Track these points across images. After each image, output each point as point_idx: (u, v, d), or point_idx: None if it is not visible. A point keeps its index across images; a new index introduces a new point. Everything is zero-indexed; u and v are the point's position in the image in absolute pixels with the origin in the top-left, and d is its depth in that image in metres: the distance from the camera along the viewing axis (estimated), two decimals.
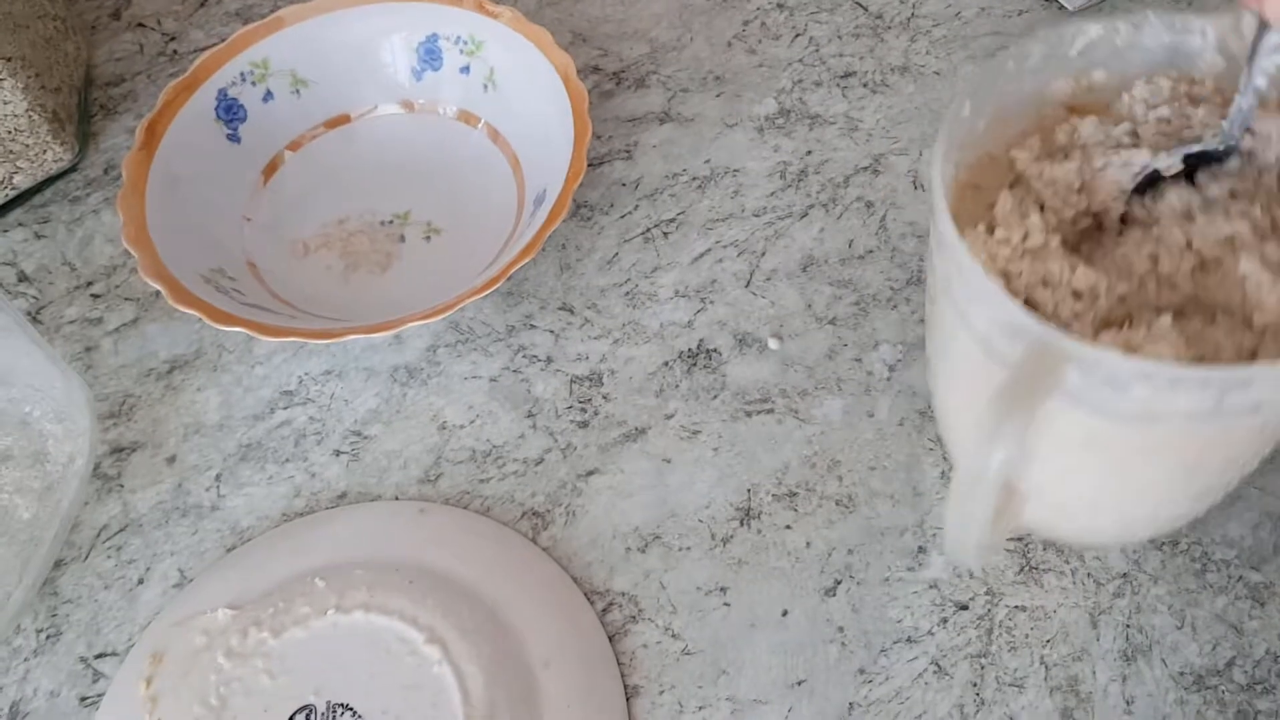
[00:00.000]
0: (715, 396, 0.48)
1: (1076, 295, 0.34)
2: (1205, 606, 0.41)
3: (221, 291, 0.46)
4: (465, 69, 0.54)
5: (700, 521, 0.44)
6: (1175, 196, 0.36)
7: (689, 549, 0.44)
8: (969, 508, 0.32)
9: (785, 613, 0.42)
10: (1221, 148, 0.35)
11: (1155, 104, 0.37)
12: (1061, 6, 0.59)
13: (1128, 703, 0.40)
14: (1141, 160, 0.36)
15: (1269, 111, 0.35)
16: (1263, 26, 0.33)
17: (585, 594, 0.42)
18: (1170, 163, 0.36)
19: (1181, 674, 0.40)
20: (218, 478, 0.46)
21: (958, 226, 0.33)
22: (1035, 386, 0.30)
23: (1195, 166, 0.36)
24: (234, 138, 0.52)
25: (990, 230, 0.36)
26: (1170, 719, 0.39)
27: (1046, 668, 0.41)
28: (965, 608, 0.42)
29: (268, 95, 0.53)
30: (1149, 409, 0.30)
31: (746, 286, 0.51)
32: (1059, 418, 0.31)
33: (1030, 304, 0.34)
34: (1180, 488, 0.35)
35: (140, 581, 0.44)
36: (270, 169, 0.53)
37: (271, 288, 0.49)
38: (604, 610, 0.42)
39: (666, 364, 0.49)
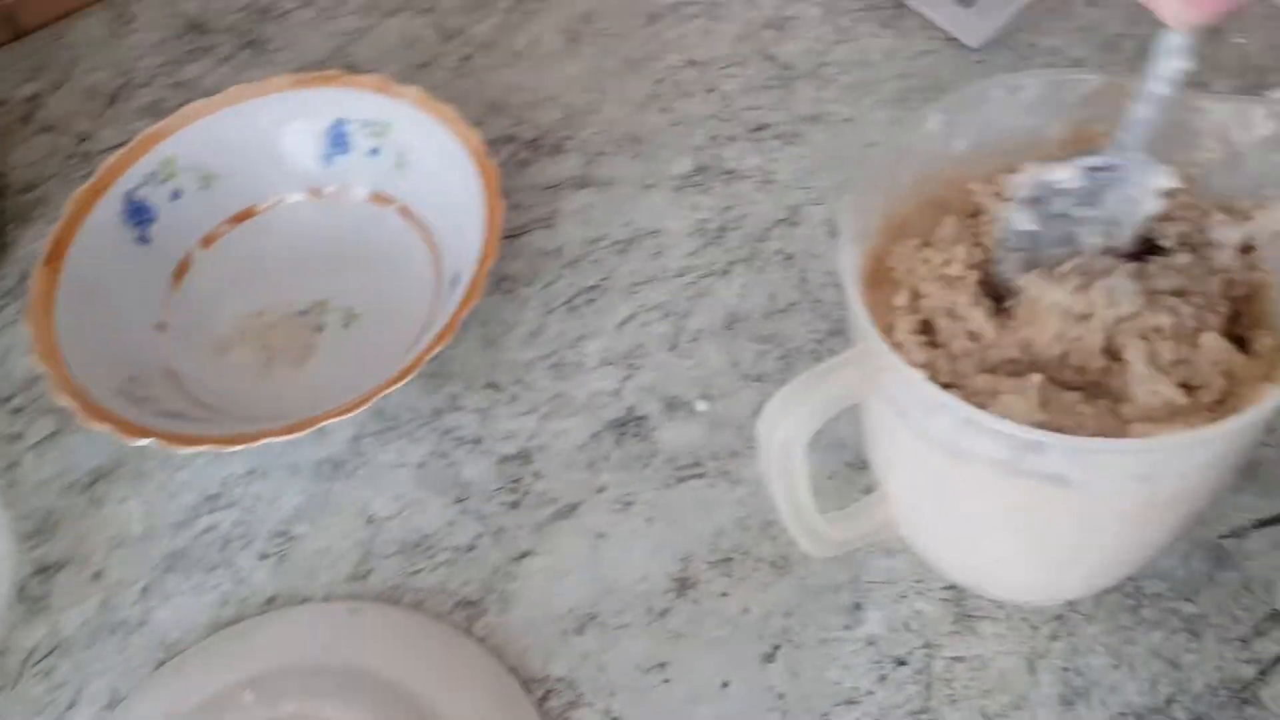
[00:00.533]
0: (646, 465, 0.48)
1: (971, 336, 0.35)
2: (1141, 643, 0.41)
3: (135, 402, 0.45)
4: (375, 151, 0.54)
5: (637, 596, 0.44)
6: (1113, 281, 0.35)
7: (626, 625, 0.43)
8: (770, 485, 0.35)
9: (725, 684, 0.42)
10: (1120, 160, 0.34)
11: None
12: (964, 46, 0.59)
13: None
14: (1032, 173, 0.35)
15: (1231, 217, 0.35)
16: (1160, 29, 0.32)
17: (522, 682, 0.42)
18: (1068, 175, 0.35)
19: (1123, 715, 0.40)
20: (144, 590, 0.46)
21: (908, 236, 0.35)
22: (839, 381, 0.32)
23: (1147, 253, 0.36)
24: (143, 239, 0.51)
25: (924, 246, 0.36)
26: None
27: (987, 719, 0.40)
28: (903, 663, 0.42)
29: (176, 193, 0.53)
30: (955, 443, 0.32)
31: (672, 349, 0.51)
32: (896, 432, 0.34)
33: (929, 327, 0.35)
34: (1024, 546, 0.36)
35: (71, 705, 0.43)
36: (181, 269, 0.52)
37: (190, 391, 0.48)
38: (542, 698, 0.42)
39: (596, 435, 0.49)
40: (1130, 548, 0.35)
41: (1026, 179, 0.35)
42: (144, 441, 0.43)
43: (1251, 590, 0.42)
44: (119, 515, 0.48)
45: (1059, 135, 0.38)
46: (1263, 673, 0.41)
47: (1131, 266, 0.34)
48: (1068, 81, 0.37)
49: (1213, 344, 0.33)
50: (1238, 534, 0.44)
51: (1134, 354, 0.32)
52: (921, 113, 0.36)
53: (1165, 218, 0.36)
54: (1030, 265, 0.35)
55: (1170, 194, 0.35)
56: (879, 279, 0.37)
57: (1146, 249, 0.36)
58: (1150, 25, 0.33)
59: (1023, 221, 0.35)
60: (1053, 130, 0.38)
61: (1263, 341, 0.34)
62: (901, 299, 0.36)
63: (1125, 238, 0.35)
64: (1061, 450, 0.30)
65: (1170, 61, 0.32)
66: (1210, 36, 0.57)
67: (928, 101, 0.37)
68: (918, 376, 0.31)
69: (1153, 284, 0.34)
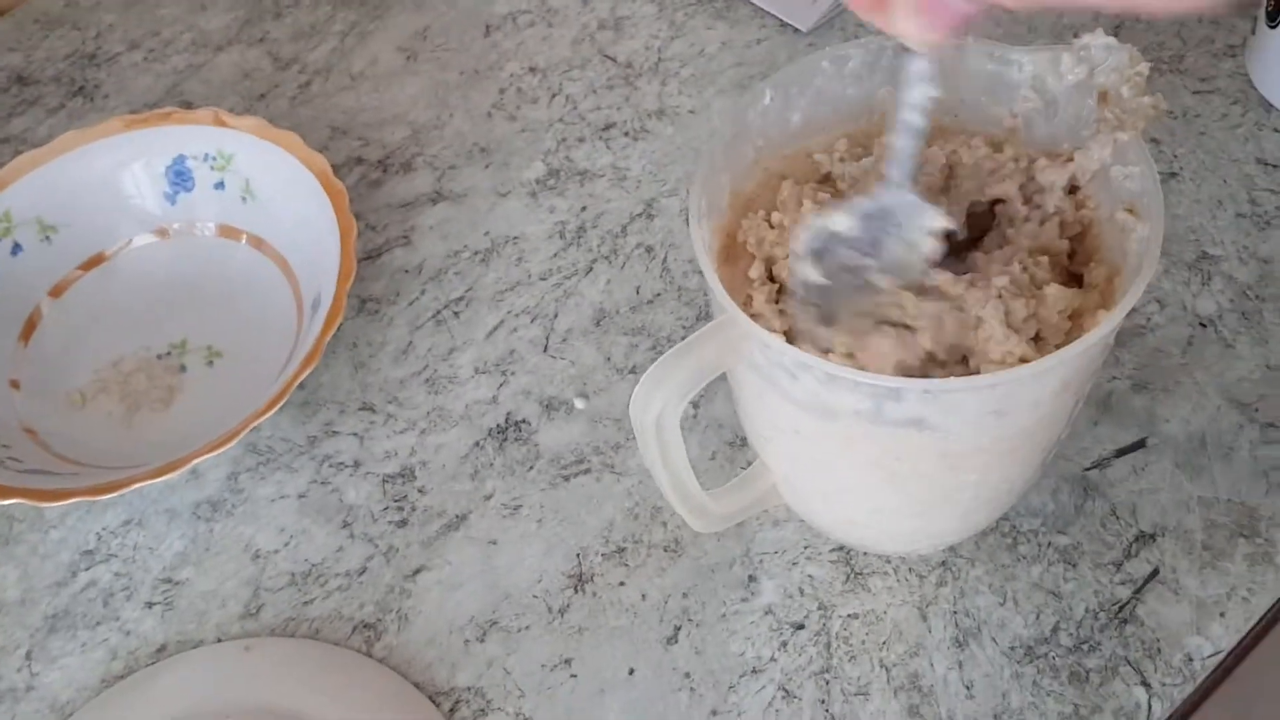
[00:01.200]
0: (531, 467, 0.48)
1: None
2: (1022, 579, 0.43)
3: None
4: (219, 184, 0.53)
5: (535, 597, 0.44)
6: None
7: (528, 628, 0.43)
8: (649, 463, 0.35)
9: (631, 671, 0.42)
10: (892, 202, 0.34)
11: None
12: (796, 30, 0.61)
13: (968, 688, 0.41)
14: (819, 225, 0.35)
15: (1053, 162, 0.37)
16: (904, 53, 0.32)
17: (430, 696, 0.42)
18: (847, 223, 0.34)
19: (1012, 649, 0.42)
20: (28, 656, 0.44)
21: (756, 210, 0.37)
22: (702, 354, 0.33)
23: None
24: None
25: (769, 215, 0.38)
26: (1009, 694, 0.41)
27: (887, 670, 0.42)
28: (801, 626, 0.43)
29: (15, 248, 0.51)
30: (820, 401, 0.33)
31: (545, 351, 0.51)
32: (765, 399, 0.35)
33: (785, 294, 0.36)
34: (897, 495, 0.37)
35: None
36: (29, 326, 0.50)
37: (52, 449, 0.47)
38: (452, 709, 0.42)
39: (478, 444, 0.49)
40: (997, 483, 0.37)
41: (807, 232, 0.35)
42: (10, 501, 0.41)
43: (1118, 516, 0.44)
44: None
45: (887, 99, 0.39)
46: (1137, 591, 0.43)
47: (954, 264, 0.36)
48: (888, 47, 0.38)
49: (1055, 293, 0.35)
50: (1100, 465, 0.46)
51: (990, 313, 0.33)
52: (757, 89, 0.37)
53: (995, 172, 0.38)
54: (827, 318, 0.35)
55: (943, 234, 0.34)
56: (733, 254, 0.38)
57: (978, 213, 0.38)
58: None
59: (812, 275, 0.35)
60: (882, 95, 0.39)
61: (1095, 273, 0.36)
62: (756, 270, 0.37)
63: (913, 276, 0.35)
64: (918, 394, 0.31)
65: (919, 89, 0.32)
66: None
67: None
68: (777, 341, 0.32)
69: (990, 259, 0.36)
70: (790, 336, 0.34)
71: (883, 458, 0.34)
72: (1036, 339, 0.34)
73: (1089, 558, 0.43)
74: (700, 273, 0.53)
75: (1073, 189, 0.37)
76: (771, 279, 0.37)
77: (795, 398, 0.33)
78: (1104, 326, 0.31)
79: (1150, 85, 0.36)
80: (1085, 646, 0.42)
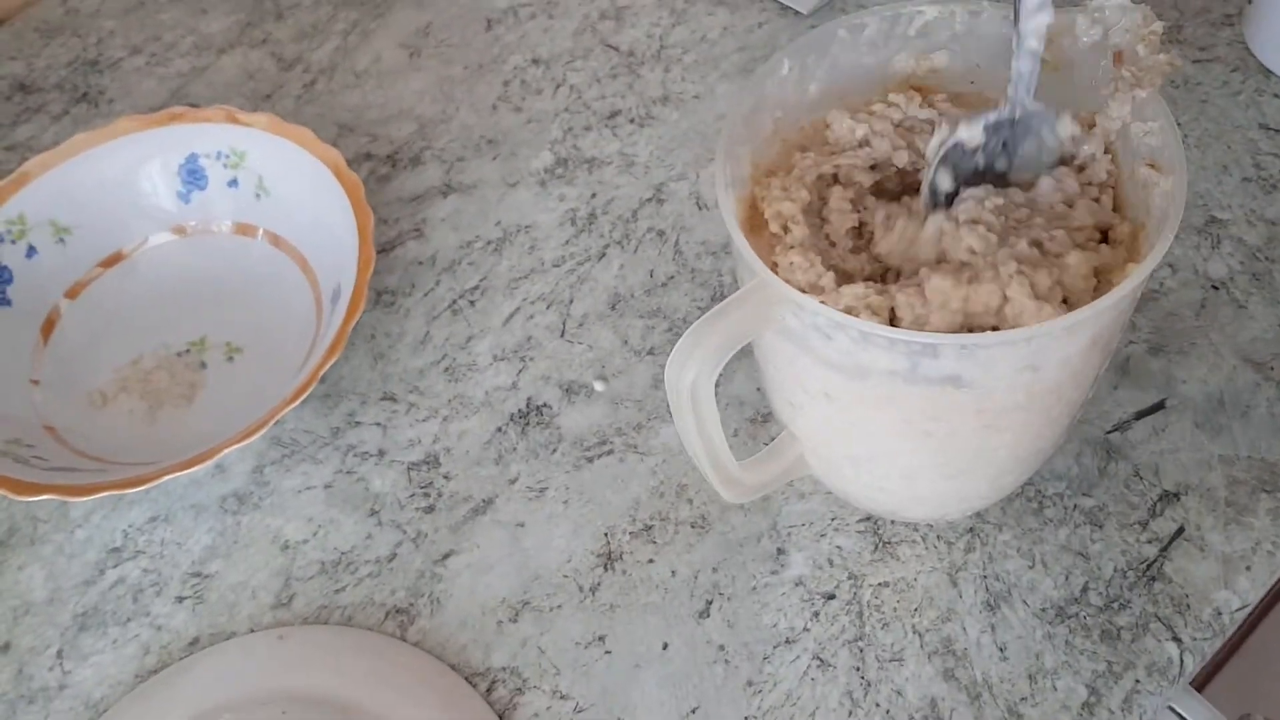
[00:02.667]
0: (554, 450, 0.48)
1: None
2: (1050, 541, 0.44)
3: (21, 462, 0.43)
4: (233, 182, 0.53)
5: (565, 577, 0.44)
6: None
7: (560, 607, 0.44)
8: (682, 432, 0.35)
9: (665, 645, 0.42)
10: (1014, 115, 0.36)
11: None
12: (797, 12, 0.61)
13: (1001, 649, 0.41)
14: (941, 136, 0.37)
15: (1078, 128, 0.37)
16: None
17: (466, 678, 0.42)
18: (972, 133, 0.37)
19: (1043, 610, 0.42)
20: (59, 655, 0.44)
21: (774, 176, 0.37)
22: (736, 318, 0.33)
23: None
24: (2, 302, 0.50)
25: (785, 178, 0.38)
26: (1043, 655, 0.41)
27: (920, 635, 0.42)
28: (832, 597, 0.43)
29: (30, 250, 0.51)
30: (854, 361, 0.33)
31: (562, 336, 0.51)
32: (796, 364, 0.35)
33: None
34: (930, 456, 0.37)
35: None
36: (48, 325, 0.50)
37: (75, 446, 0.46)
38: (488, 689, 0.42)
39: (500, 430, 0.49)
40: (1029, 442, 0.37)
41: (936, 142, 0.37)
42: (39, 498, 0.41)
43: (1141, 476, 0.45)
44: (19, 583, 0.46)
45: (903, 68, 0.40)
46: (1164, 549, 0.43)
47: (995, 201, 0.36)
48: (904, 14, 0.39)
49: (1076, 260, 0.35)
50: (1121, 427, 0.46)
51: (1016, 289, 0.33)
52: (775, 59, 0.38)
53: None
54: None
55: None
56: (757, 224, 0.38)
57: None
58: None
59: (945, 182, 0.37)
60: (898, 63, 0.39)
61: (1120, 229, 0.36)
62: (777, 232, 0.37)
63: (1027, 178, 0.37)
64: (954, 350, 0.32)
65: (1037, 17, 0.35)
66: None
67: None
68: (812, 301, 0.32)
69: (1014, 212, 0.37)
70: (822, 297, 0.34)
71: (917, 418, 0.34)
72: (1065, 303, 0.35)
73: (1115, 519, 0.44)
74: (713, 254, 0.53)
75: (1107, 149, 0.37)
76: (790, 242, 0.37)
77: (828, 359, 0.33)
78: (1134, 278, 0.32)
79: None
80: (1115, 605, 0.42)
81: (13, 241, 0.51)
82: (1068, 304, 0.34)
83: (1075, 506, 0.44)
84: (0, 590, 0.45)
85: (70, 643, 0.44)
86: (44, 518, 0.47)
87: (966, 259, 0.35)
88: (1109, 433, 0.46)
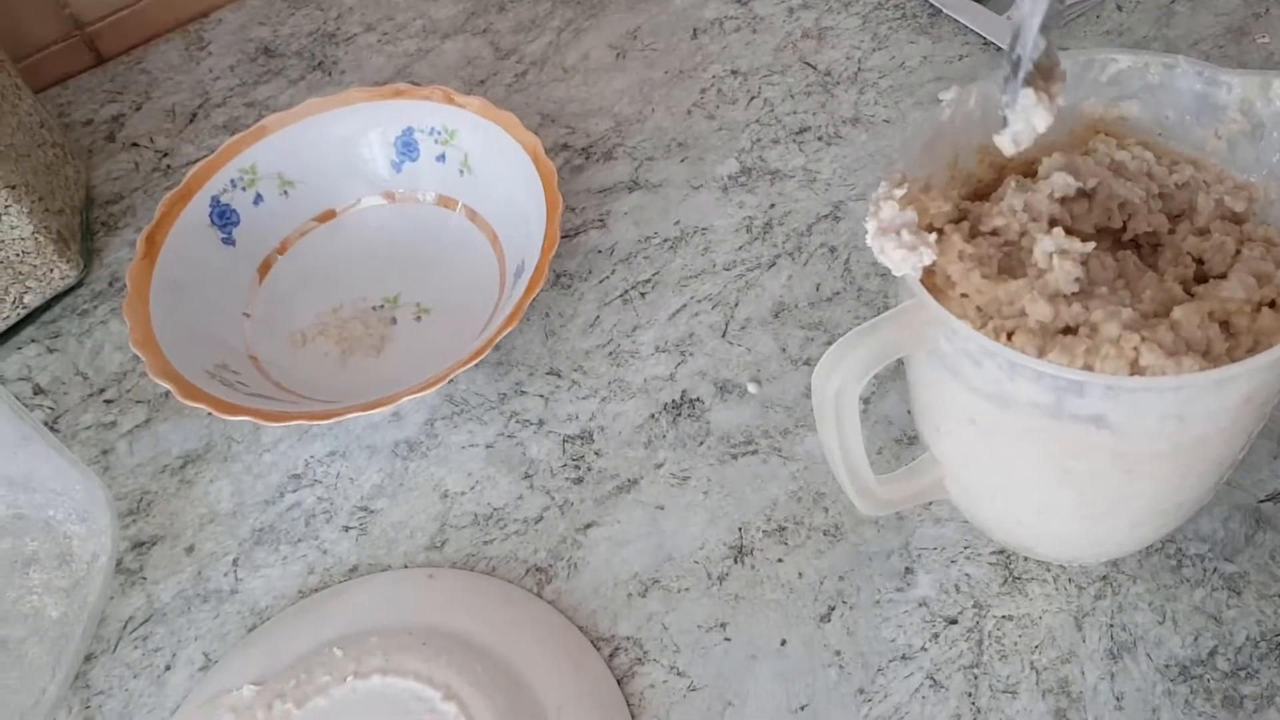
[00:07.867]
0: (701, 443, 0.50)
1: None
2: (1184, 600, 0.43)
3: (226, 385, 0.48)
4: (441, 157, 0.57)
5: (696, 563, 0.46)
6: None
7: (687, 589, 0.46)
8: (823, 437, 0.37)
9: (784, 642, 0.44)
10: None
11: None
12: (999, 49, 0.62)
13: (1118, 699, 0.41)
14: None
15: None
16: None
17: (592, 641, 0.44)
18: None
19: (1167, 666, 0.42)
20: (235, 562, 0.49)
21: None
22: (888, 334, 0.35)
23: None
24: (228, 241, 0.55)
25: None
26: (1160, 710, 0.41)
27: (1037, 672, 0.42)
28: (954, 622, 0.44)
29: (258, 198, 0.56)
30: (1000, 391, 0.34)
31: (723, 336, 0.54)
32: (945, 388, 0.36)
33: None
34: (1068, 495, 0.37)
35: (167, 668, 0.46)
36: (265, 266, 0.56)
37: (273, 378, 0.51)
38: (611, 655, 0.44)
39: (653, 416, 0.51)
40: (1169, 494, 0.37)
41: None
42: (238, 418, 0.46)
43: None
44: (209, 494, 0.51)
45: (1091, 112, 0.40)
46: None
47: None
48: (1097, 61, 0.39)
49: (1181, 315, 0.35)
50: (1275, 498, 0.45)
51: (1147, 354, 0.33)
52: (964, 90, 0.39)
53: (1187, 185, 0.39)
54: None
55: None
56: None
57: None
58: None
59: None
60: (1086, 107, 0.40)
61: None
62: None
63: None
64: (1101, 390, 0.32)
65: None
66: (1235, 37, 0.60)
67: None
68: (964, 326, 0.33)
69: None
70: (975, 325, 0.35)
71: (1058, 454, 0.35)
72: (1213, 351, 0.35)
73: (1255, 588, 0.43)
74: (881, 275, 0.55)
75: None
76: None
77: (976, 386, 0.35)
78: None
79: None
80: (1243, 673, 0.41)
81: (244, 189, 0.56)
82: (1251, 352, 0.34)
83: (1215, 570, 0.44)
84: (192, 498, 0.51)
85: (246, 554, 0.49)
86: (238, 438, 0.52)
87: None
88: (1262, 501, 0.45)
